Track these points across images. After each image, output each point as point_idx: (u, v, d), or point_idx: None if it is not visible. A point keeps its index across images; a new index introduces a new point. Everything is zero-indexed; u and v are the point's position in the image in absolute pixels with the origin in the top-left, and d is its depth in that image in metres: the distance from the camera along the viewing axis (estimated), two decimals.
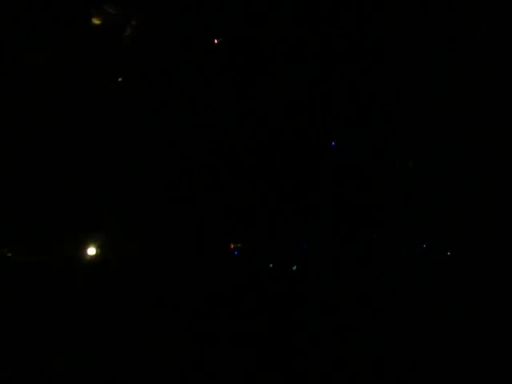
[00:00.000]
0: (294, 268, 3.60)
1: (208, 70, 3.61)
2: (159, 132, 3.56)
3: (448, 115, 3.61)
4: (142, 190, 3.53)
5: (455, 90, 3.60)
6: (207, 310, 3.36)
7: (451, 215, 3.55)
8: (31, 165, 3.36)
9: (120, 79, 3.60)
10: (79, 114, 3.45)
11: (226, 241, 3.60)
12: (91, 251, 3.47)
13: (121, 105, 3.54)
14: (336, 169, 3.67)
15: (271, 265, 3.60)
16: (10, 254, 3.32)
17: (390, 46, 3.65)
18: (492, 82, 3.56)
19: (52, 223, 3.35)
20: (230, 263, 3.58)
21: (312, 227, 3.65)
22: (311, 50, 3.63)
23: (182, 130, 3.58)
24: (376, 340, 3.28)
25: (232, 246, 3.60)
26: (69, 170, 3.42)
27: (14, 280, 3.26)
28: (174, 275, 3.46)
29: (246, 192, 3.60)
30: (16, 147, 3.33)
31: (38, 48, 3.38)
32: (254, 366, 3.19)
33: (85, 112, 3.46)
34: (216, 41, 3.62)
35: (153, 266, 3.47)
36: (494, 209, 3.48)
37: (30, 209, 3.34)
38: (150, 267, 3.46)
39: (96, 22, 3.54)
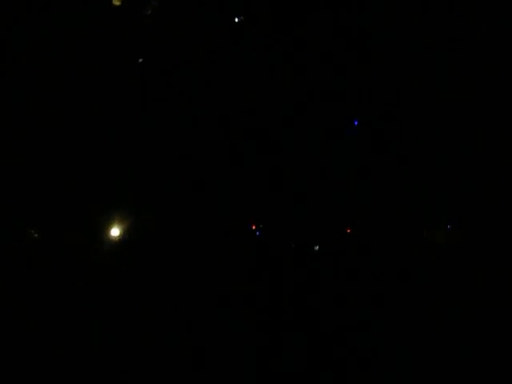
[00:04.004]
0: (316, 248, 3.61)
1: (220, 64, 3.61)
2: (178, 117, 3.57)
3: (454, 109, 3.59)
4: (160, 174, 3.54)
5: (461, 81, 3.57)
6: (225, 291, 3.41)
7: (462, 206, 3.53)
8: (47, 154, 3.38)
9: (140, 60, 3.59)
10: (95, 101, 3.46)
11: (248, 221, 3.61)
12: (114, 232, 3.50)
13: (138, 91, 3.54)
14: (349, 158, 3.67)
15: (293, 245, 3.62)
16: (36, 235, 3.38)
17: (391, 44, 3.62)
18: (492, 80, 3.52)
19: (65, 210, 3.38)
20: (253, 243, 3.59)
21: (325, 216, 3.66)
22: (316, 46, 3.62)
23: (202, 114, 3.59)
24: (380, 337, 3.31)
25: (254, 227, 3.62)
26: (81, 159, 3.43)
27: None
28: (195, 256, 3.48)
29: (266, 173, 3.61)
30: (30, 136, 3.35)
31: (50, 32, 3.38)
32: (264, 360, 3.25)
33: (100, 99, 3.46)
34: (237, 19, 3.62)
35: (174, 248, 3.49)
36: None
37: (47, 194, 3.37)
38: (171, 250, 3.48)
39: (116, 2, 3.54)
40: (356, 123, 3.68)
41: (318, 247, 3.63)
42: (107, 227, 3.48)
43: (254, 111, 3.60)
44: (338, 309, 3.40)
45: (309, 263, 3.58)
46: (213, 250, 3.49)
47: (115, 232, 3.48)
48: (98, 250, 3.43)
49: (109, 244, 3.48)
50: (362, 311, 3.38)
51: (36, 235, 3.36)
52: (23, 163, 3.30)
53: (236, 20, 3.63)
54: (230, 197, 3.56)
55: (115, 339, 3.22)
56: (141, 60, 3.58)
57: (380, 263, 3.51)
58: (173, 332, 3.25)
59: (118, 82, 3.48)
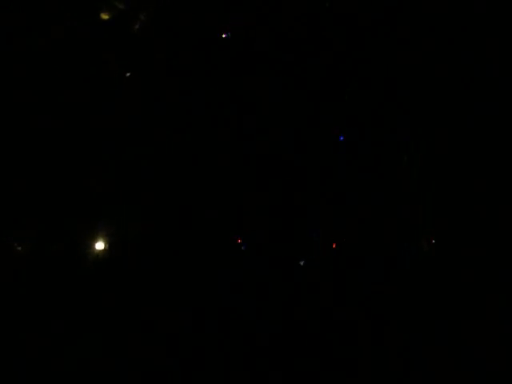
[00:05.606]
0: (302, 263, 3.61)
1: (216, 66, 3.63)
2: (168, 125, 3.58)
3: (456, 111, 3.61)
4: (148, 182, 3.53)
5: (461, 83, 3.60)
6: (212, 306, 3.38)
7: (460, 211, 3.55)
8: (34, 156, 3.37)
9: (128, 74, 3.61)
10: (86, 108, 3.46)
11: (233, 235, 3.61)
12: (99, 245, 3.47)
13: (127, 100, 3.55)
14: (343, 163, 3.69)
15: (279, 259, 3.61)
16: (18, 247, 3.34)
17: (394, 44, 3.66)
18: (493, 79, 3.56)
19: (55, 215, 3.36)
20: (238, 257, 3.58)
21: (318, 222, 3.66)
22: (314, 46, 3.65)
23: (191, 123, 3.61)
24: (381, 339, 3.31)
25: (240, 241, 3.61)
26: (73, 161, 3.42)
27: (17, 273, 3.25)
28: (179, 270, 3.46)
29: (254, 186, 3.62)
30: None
31: (40, 45, 3.39)
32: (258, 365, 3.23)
33: (92, 106, 3.47)
34: (224, 35, 3.65)
35: (158, 260, 3.47)
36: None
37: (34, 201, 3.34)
38: (155, 262, 3.46)
39: (104, 17, 3.56)
40: (341, 139, 3.71)
41: (303, 262, 3.63)
42: (92, 240, 3.46)
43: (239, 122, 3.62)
44: (325, 322, 3.40)
45: (295, 278, 3.58)
46: (199, 263, 3.48)
47: (100, 246, 3.46)
48: (81, 263, 3.41)
49: (93, 258, 3.45)
50: (349, 323, 3.38)
51: (19, 248, 3.34)
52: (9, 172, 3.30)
53: (224, 36, 3.67)
54: (216, 210, 3.57)
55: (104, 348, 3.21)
56: (128, 74, 3.61)
57: (367, 275, 3.51)
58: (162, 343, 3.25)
59: (110, 85, 3.50)
